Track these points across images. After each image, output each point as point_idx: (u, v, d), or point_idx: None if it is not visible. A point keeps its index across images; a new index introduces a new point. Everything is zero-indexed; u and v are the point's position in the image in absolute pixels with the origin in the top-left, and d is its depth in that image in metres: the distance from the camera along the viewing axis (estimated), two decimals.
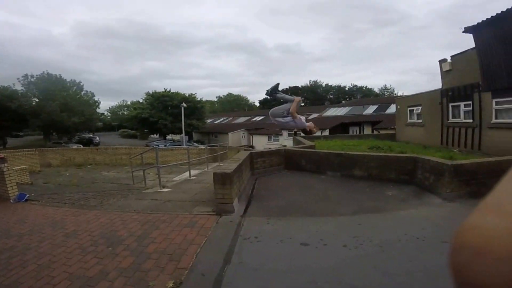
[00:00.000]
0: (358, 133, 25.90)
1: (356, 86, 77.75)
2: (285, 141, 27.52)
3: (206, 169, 11.67)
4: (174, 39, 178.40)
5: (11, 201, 6.80)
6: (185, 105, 32.28)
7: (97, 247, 3.83)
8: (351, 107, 35.22)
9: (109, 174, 15.28)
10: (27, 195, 7.02)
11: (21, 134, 49.87)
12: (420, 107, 16.16)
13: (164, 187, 7.66)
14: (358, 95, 69.17)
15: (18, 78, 37.70)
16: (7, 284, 3.09)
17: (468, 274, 0.29)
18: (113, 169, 17.09)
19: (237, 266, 3.23)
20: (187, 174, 10.00)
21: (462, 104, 12.57)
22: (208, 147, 18.39)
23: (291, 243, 3.76)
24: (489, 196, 0.32)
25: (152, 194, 6.90)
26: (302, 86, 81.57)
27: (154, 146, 9.54)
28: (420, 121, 16.20)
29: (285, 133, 29.72)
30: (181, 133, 34.68)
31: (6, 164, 7.09)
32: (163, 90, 41.96)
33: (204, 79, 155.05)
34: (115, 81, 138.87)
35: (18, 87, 37.00)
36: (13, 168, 7.69)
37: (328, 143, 14.24)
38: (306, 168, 8.22)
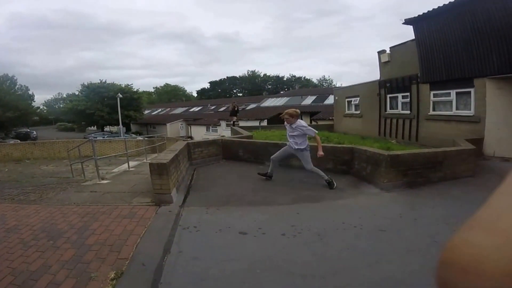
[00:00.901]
0: None
1: (294, 76, 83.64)
2: (224, 132, 28.77)
3: (144, 160, 12.22)
4: (110, 28, 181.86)
5: None
6: (120, 95, 33.50)
7: (38, 241, 4.12)
8: (289, 98, 36.99)
9: (48, 168, 15.54)
10: None
11: None
12: (358, 98, 16.99)
13: (103, 179, 8.05)
14: (297, 85, 75.60)
15: None
16: None
17: None
18: (52, 163, 17.47)
19: (177, 256, 3.49)
20: (125, 165, 10.63)
21: (400, 95, 13.38)
22: (146, 138, 18.77)
23: (229, 232, 4.08)
24: (478, 212, 0.33)
25: (91, 186, 7.23)
26: (240, 76, 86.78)
27: (91, 138, 9.71)
28: (358, 112, 17.05)
29: (223, 123, 31.43)
30: (118, 124, 35.93)
31: None
32: (99, 82, 43.56)
33: (141, 69, 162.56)
34: (50, 74, 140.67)
35: None
36: None
37: (266, 133, 14.84)
38: (244, 158, 8.75)
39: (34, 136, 42.07)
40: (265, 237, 3.86)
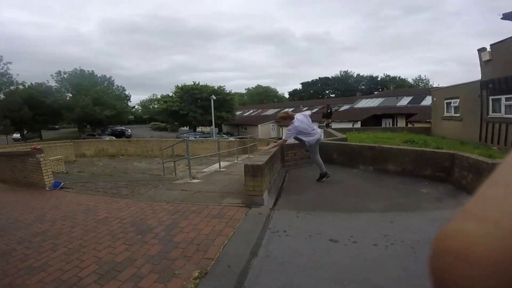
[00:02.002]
0: (391, 126, 28.12)
1: (389, 76, 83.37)
2: None
3: (235, 161, 12.79)
4: (200, 32, 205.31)
5: (46, 188, 8.03)
6: (214, 97, 36.10)
7: (126, 234, 4.48)
8: (383, 99, 37.48)
9: (140, 164, 17.28)
10: (62, 183, 8.24)
11: (56, 127, 60.59)
12: (457, 100, 16.92)
13: (194, 178, 8.56)
14: (391, 85, 76.29)
15: (51, 75, 46.28)
16: (36, 265, 3.75)
17: (448, 279, 0.32)
18: (144, 160, 19.31)
19: (263, 260, 3.50)
20: (217, 165, 11.21)
21: (503, 97, 12.78)
22: (237, 139, 19.31)
23: (320, 238, 4.02)
24: (470, 201, 0.36)
25: (182, 185, 7.71)
26: (332, 77, 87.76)
27: (185, 138, 10.37)
28: (458, 115, 16.93)
29: (315, 125, 31.59)
30: (210, 125, 39.64)
31: (42, 154, 8.34)
32: (193, 83, 47.06)
33: (231, 71, 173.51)
34: (144, 76, 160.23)
35: (52, 83, 45.20)
36: (49, 158, 8.75)
37: (360, 135, 15.09)
38: (338, 161, 8.82)
39: (129, 134, 47.51)
40: (355, 246, 3.78)
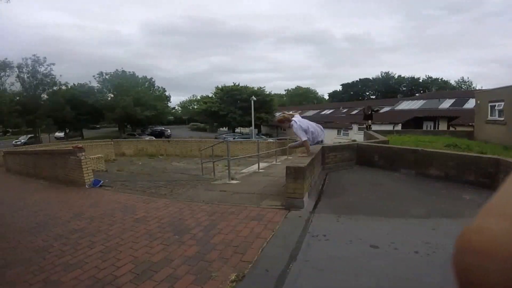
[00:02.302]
0: (432, 129, 28.13)
1: (430, 77, 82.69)
2: (355, 136, 31.02)
3: (274, 162, 12.79)
4: (238, 33, 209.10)
5: (86, 186, 8.32)
6: (254, 98, 36.78)
7: (164, 234, 4.49)
8: (425, 101, 37.58)
9: (179, 164, 17.62)
10: (102, 181, 8.50)
11: (97, 126, 63.04)
12: (502, 103, 16.59)
13: (233, 179, 8.54)
14: (433, 87, 76.88)
15: (93, 76, 48.19)
16: (73, 262, 3.84)
17: (472, 276, 0.33)
18: (183, 160, 19.67)
19: (302, 264, 3.44)
20: (255, 166, 11.28)
21: None
22: (277, 140, 19.34)
23: (360, 244, 3.95)
24: (492, 199, 0.37)
25: (221, 186, 7.71)
26: (373, 78, 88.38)
27: (225, 139, 10.44)
28: (502, 118, 16.66)
29: (355, 127, 33.92)
30: (250, 126, 41.10)
31: (83, 153, 8.66)
32: (232, 84, 47.86)
33: (270, 73, 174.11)
34: (183, 77, 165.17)
35: (94, 84, 47.48)
36: (90, 157, 9.10)
37: (402, 138, 15.28)
38: (378, 164, 8.71)
39: (168, 134, 48.81)
40: (396, 253, 3.67)
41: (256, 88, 47.15)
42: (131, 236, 4.48)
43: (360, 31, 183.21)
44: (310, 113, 53.07)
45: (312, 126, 6.30)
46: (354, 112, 42.34)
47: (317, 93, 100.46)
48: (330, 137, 36.05)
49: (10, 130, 50.83)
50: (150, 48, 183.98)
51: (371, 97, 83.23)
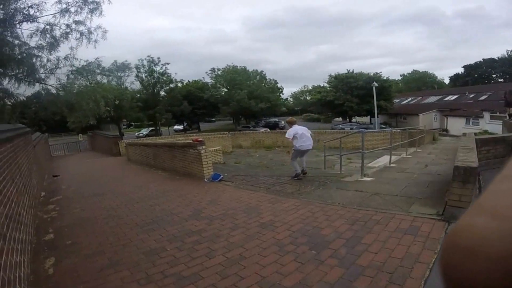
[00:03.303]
0: None
1: None
2: (486, 125, 28.73)
3: (404, 155, 11.27)
4: (342, 19, 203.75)
5: (205, 180, 8.04)
6: (376, 84, 34.37)
7: (297, 247, 3.70)
8: None
9: None
10: (221, 176, 8.15)
11: (213, 119, 66.54)
12: None
13: (365, 175, 7.31)
14: None
15: (206, 72, 52.38)
16: (186, 275, 3.25)
17: (460, 274, 0.32)
18: None
19: None
20: (384, 160, 10.24)
21: None
22: (404, 131, 17.67)
23: None
24: (482, 196, 0.35)
25: (354, 184, 6.70)
26: (498, 58, 77.88)
27: (360, 130, 9.37)
28: None
29: (486, 115, 30.92)
30: (367, 115, 41.25)
31: (203, 147, 8.46)
32: (346, 71, 45.93)
33: (381, 58, 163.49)
34: (292, 69, 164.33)
35: (207, 80, 50.72)
36: (209, 149, 8.84)
37: None
38: None
39: (282, 125, 48.64)
40: None
41: (372, 74, 44.51)
42: (256, 246, 3.77)
43: (472, 4, 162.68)
44: (431, 99, 48.99)
45: (306, 137, 7.74)
46: (482, 98, 37.56)
47: (436, 77, 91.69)
48: (457, 127, 33.01)
49: (133, 123, 57.31)
50: (256, 42, 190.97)
51: (499, 80, 72.97)
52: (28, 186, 5.90)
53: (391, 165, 9.16)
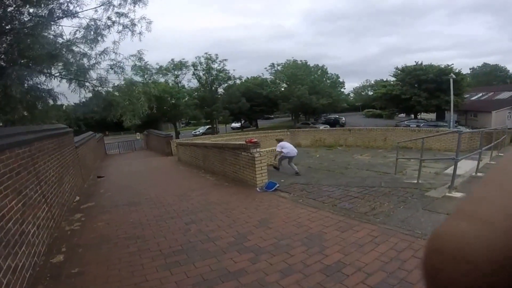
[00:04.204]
0: None
1: None
2: None
3: (487, 161, 9.29)
4: (404, 9, 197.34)
5: (257, 189, 6.84)
6: (453, 76, 31.37)
7: None
8: None
9: (362, 158, 15.18)
10: (277, 185, 6.88)
11: (271, 116, 65.32)
12: None
13: (454, 189, 5.71)
14: None
15: (265, 68, 52.19)
16: None
17: (441, 278, 0.33)
18: (366, 152, 17.20)
19: None
20: (466, 167, 8.25)
21: None
22: (482, 131, 15.19)
23: None
24: (463, 201, 0.37)
25: (443, 202, 5.22)
26: None
27: (458, 131, 7.54)
28: None
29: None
30: (436, 111, 38.69)
31: (258, 149, 7.26)
32: (415, 63, 42.73)
33: (448, 50, 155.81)
34: (354, 63, 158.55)
35: (267, 76, 49.90)
36: (263, 150, 7.79)
37: None
38: None
39: (343, 122, 46.70)
40: None
41: (443, 66, 40.50)
42: None
43: None
44: (504, 95, 44.05)
45: (290, 148, 10.11)
46: None
47: (508, 70, 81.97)
48: None
49: (191, 122, 57.37)
50: (316, 37, 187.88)
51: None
52: (52, 194, 5.23)
53: (478, 174, 7.41)
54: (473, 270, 0.30)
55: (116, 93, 10.37)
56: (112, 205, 6.67)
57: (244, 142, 7.59)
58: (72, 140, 9.02)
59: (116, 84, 10.02)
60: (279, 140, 10.71)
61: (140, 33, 9.44)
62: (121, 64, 9.69)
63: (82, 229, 5.07)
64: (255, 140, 7.50)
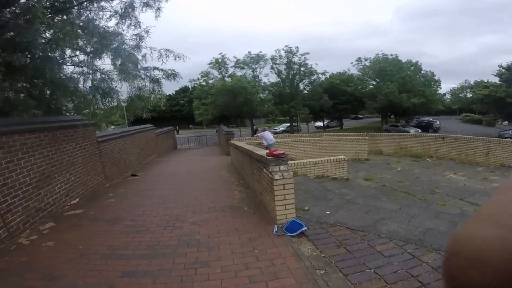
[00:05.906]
0: None
1: None
2: None
3: None
4: (505, 4, 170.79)
5: (274, 230, 4.54)
6: None
7: None
8: None
9: (456, 177, 11.45)
10: (304, 228, 4.49)
11: (360, 116, 61.34)
12: None
13: None
14: None
15: (351, 62, 45.75)
16: None
17: (462, 281, 0.33)
18: (461, 170, 13.04)
19: None
20: None
21: None
22: None
23: None
24: (484, 205, 0.37)
25: None
26: None
27: None
28: None
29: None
30: None
31: (281, 166, 4.80)
32: None
33: None
34: (450, 62, 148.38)
35: (354, 72, 45.40)
36: (324, 159, 5.57)
37: None
38: None
39: (437, 126, 41.19)
40: None
41: None
42: None
43: None
44: None
45: (269, 138, 13.13)
46: None
47: None
48: None
49: (266, 118, 55.29)
50: (410, 33, 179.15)
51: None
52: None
53: None
54: (493, 273, 0.30)
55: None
56: (93, 218, 5.32)
57: (265, 154, 5.11)
58: (90, 134, 7.86)
59: None
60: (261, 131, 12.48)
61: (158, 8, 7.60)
62: None
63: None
64: (281, 151, 4.99)
